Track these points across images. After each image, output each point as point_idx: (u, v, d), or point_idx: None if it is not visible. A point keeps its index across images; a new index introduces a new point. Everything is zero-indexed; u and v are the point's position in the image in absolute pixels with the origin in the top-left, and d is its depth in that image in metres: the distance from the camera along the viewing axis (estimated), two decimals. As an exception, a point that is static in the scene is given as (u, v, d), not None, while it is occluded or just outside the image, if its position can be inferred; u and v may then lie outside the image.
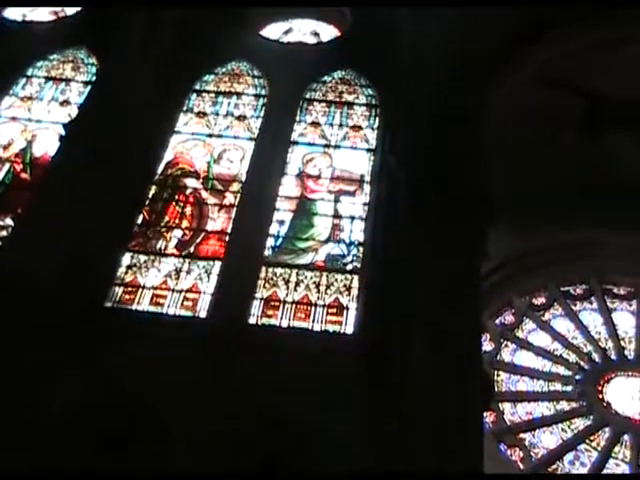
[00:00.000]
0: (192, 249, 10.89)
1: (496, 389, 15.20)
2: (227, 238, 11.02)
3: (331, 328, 10.01)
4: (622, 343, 16.27)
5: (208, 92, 13.05)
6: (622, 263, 17.18)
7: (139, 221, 11.15)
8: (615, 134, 16.45)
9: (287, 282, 10.49)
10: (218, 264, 10.67)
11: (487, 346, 16.00)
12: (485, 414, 14.41)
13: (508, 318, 16.63)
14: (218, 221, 11.30)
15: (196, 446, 8.57)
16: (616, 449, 14.60)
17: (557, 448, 14.61)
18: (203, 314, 10.10)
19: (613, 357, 16.04)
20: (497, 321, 16.45)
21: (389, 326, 9.54)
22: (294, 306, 10.25)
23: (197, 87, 13.11)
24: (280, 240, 11.01)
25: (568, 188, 17.02)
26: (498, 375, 15.62)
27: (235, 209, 11.35)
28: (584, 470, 14.22)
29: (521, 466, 14.17)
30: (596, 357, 15.99)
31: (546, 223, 16.84)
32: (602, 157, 17.07)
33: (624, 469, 14.29)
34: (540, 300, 17.01)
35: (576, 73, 15.34)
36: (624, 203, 17.08)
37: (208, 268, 10.62)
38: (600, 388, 15.44)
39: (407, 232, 10.36)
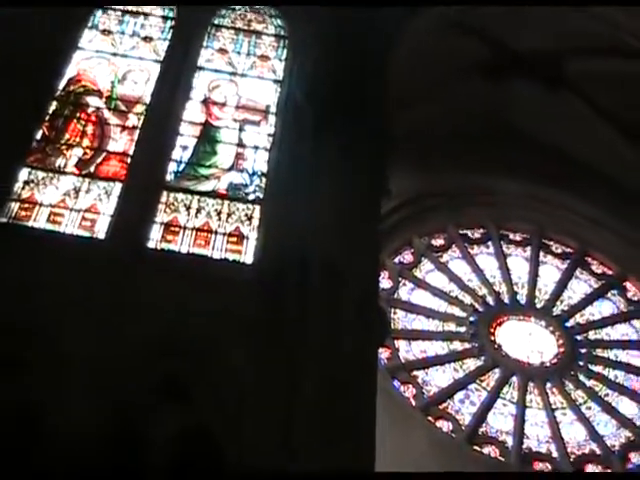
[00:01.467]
0: (92, 169, 10.61)
1: (392, 326, 15.28)
2: (129, 160, 10.77)
3: (231, 257, 9.91)
4: (515, 288, 16.60)
5: (115, 10, 12.56)
6: (520, 211, 17.40)
7: (38, 137, 10.70)
8: (519, 82, 16.62)
9: (188, 208, 10.34)
10: (119, 186, 10.43)
11: (385, 284, 16.06)
12: (380, 350, 14.55)
13: (407, 257, 16.75)
14: (120, 142, 11.02)
15: (94, 370, 8.32)
16: (505, 390, 14.90)
17: (448, 386, 14.85)
18: (102, 235, 9.89)
19: (506, 301, 16.32)
20: (396, 260, 16.56)
21: (288, 258, 9.52)
22: (194, 232, 10.11)
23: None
24: (183, 166, 10.83)
25: (472, 133, 17.17)
26: (395, 313, 15.77)
27: (138, 131, 11.08)
28: (473, 409, 14.38)
29: (413, 402, 14.28)
30: (490, 300, 16.29)
31: (449, 166, 17.06)
32: (505, 104, 17.25)
33: (511, 409, 14.48)
34: (439, 242, 17.21)
35: (484, 20, 15.46)
36: (525, 152, 17.30)
37: (108, 189, 10.37)
38: (492, 330, 15.76)
39: (309, 165, 10.34)
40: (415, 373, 14.92)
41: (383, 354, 14.87)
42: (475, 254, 17.15)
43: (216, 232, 10.13)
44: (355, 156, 10.48)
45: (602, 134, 16.44)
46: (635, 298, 16.51)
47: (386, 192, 10.88)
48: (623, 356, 15.56)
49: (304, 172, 10.29)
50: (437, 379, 14.93)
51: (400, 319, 15.76)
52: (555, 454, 14.02)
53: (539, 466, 13.93)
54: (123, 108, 11.38)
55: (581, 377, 15.10)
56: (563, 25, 14.90)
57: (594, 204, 17.06)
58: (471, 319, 15.82)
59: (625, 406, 14.78)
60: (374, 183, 10.60)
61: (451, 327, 15.77)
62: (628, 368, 15.36)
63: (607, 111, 16.10)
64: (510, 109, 17.28)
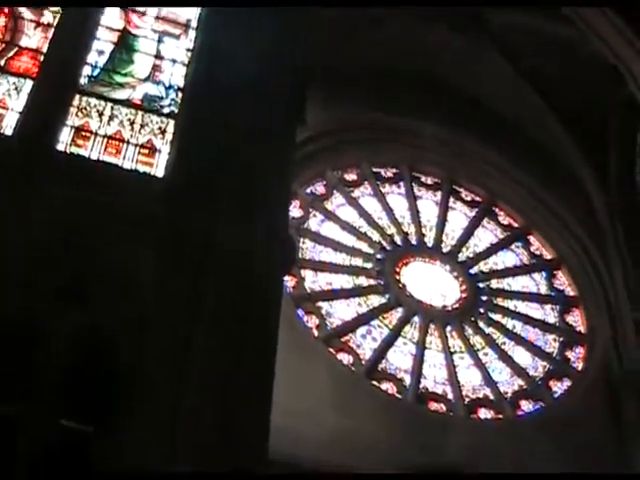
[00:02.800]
0: (2, 62, 10.01)
1: (300, 256, 15.03)
2: (42, 58, 10.22)
3: (142, 168, 9.62)
4: (423, 230, 16.70)
5: None
6: (433, 155, 17.34)
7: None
8: (441, 29, 16.55)
9: (101, 115, 9.94)
10: (29, 83, 9.92)
11: (296, 212, 15.95)
12: (286, 278, 14.33)
13: (319, 189, 16.63)
14: (34, 39, 10.49)
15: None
16: (406, 329, 14.96)
17: (352, 320, 14.84)
18: (9, 131, 9.42)
19: (413, 242, 16.36)
20: (308, 190, 16.43)
21: (199, 177, 9.31)
22: (106, 140, 9.74)
23: None
24: (98, 71, 10.39)
25: (393, 73, 17.02)
26: (303, 242, 15.62)
27: (53, 30, 10.50)
28: (374, 344, 14.30)
29: (316, 333, 14.15)
30: (398, 240, 16.33)
31: (368, 103, 16.91)
32: (428, 48, 17.14)
33: (411, 348, 14.50)
34: (351, 177, 17.12)
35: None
36: (444, 98, 17.26)
37: (18, 85, 9.90)
38: (398, 270, 15.81)
39: (227, 86, 10.03)
40: (319, 304, 14.87)
41: (289, 282, 14.75)
42: (386, 193, 17.14)
43: (128, 142, 9.80)
44: (274, 84, 10.19)
45: (519, 89, 16.54)
46: (537, 252, 16.71)
47: (301, 120, 10.69)
48: (522, 307, 15.86)
49: (220, 90, 10.01)
50: (341, 312, 14.92)
51: (308, 249, 15.67)
52: (450, 396, 14.18)
53: (434, 406, 14.07)
54: (39, 4, 10.76)
55: (481, 324, 15.30)
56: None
57: (507, 157, 17.28)
58: (378, 256, 15.82)
59: (520, 355, 15.08)
60: (290, 110, 10.40)
61: (358, 262, 15.73)
62: (526, 319, 15.64)
63: (526, 68, 16.24)
64: (432, 54, 17.12)
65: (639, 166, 15.79)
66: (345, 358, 14.17)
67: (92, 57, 10.39)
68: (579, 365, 14.97)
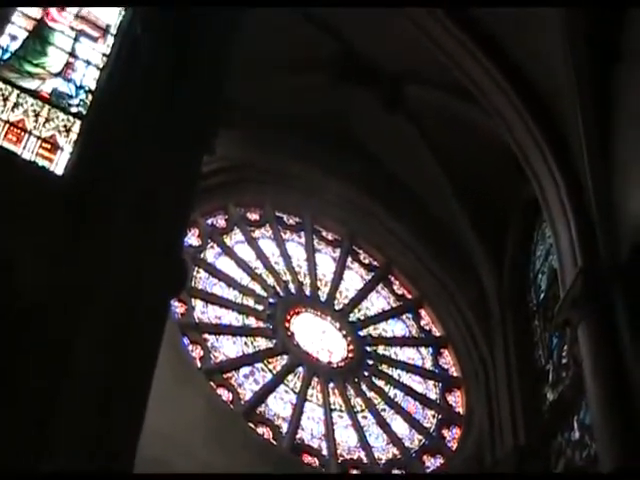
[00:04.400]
0: None
1: (192, 284, 14.71)
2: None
3: (41, 162, 9.40)
4: (318, 284, 16.76)
5: None
6: (337, 210, 17.60)
7: None
8: (361, 90, 16.83)
9: (6, 100, 9.68)
10: None
11: (194, 241, 15.74)
12: (176, 304, 14.21)
13: (220, 222, 16.53)
14: (-60, 14, 10.10)
15: None
16: (289, 377, 14.86)
17: (236, 358, 14.59)
18: None
19: (307, 293, 16.37)
20: (209, 221, 16.17)
21: (100, 180, 9.05)
22: (7, 126, 9.48)
23: None
24: (8, 55, 10.12)
25: (309, 124, 17.18)
26: (198, 272, 15.31)
27: (-39, 7, 10.29)
28: (255, 387, 14.09)
29: (199, 364, 13.78)
30: (292, 288, 16.26)
31: (280, 148, 16.91)
32: (346, 107, 17.38)
33: (291, 398, 14.42)
34: (254, 217, 17.08)
35: (342, 21, 15.66)
36: (355, 159, 17.42)
37: None
38: (289, 317, 15.69)
39: (140, 99, 9.89)
40: (206, 336, 14.53)
41: (178, 309, 14.41)
42: (286, 239, 17.13)
43: (30, 132, 9.57)
44: (185, 109, 10.07)
45: (428, 165, 16.84)
46: (427, 327, 16.86)
47: (210, 149, 10.61)
48: (405, 378, 15.84)
49: (133, 101, 9.85)
50: (226, 348, 14.67)
51: (202, 279, 15.39)
52: (325, 452, 14.00)
53: (308, 459, 13.84)
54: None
55: (363, 386, 15.30)
56: (416, 50, 15.14)
57: (408, 229, 17.44)
58: (270, 300, 15.71)
59: (398, 425, 15.05)
60: (201, 136, 10.29)
61: (249, 302, 15.46)
62: (408, 390, 15.66)
63: (435, 144, 16.56)
64: (350, 112, 17.38)
65: (533, 264, 16.17)
66: (225, 395, 13.85)
67: (4, 40, 10.12)
68: (454, 445, 15.02)
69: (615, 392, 11.14)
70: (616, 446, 10.75)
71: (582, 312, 12.04)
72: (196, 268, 15.27)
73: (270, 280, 15.96)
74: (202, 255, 15.62)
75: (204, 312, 14.85)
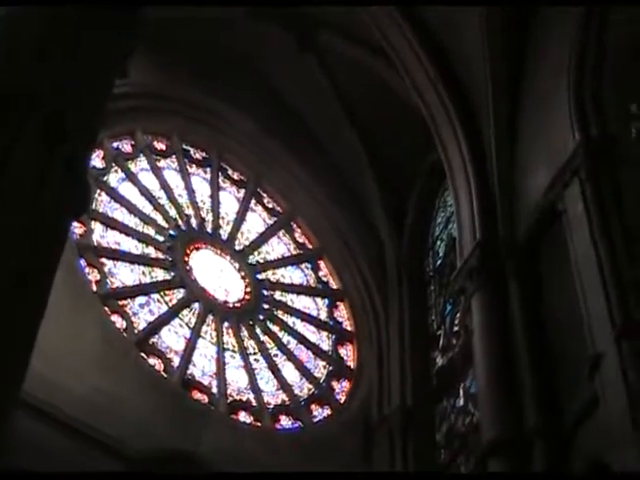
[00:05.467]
0: None
1: (94, 207, 14.34)
2: None
3: None
4: (221, 222, 16.49)
5: None
6: (244, 151, 17.28)
7: None
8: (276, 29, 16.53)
9: None
10: None
11: (98, 163, 15.21)
12: (75, 224, 13.58)
13: (126, 147, 16.12)
14: None
15: None
16: (185, 312, 14.66)
17: (132, 287, 14.34)
18: None
19: (209, 230, 16.11)
20: (115, 145, 15.68)
21: (5, 100, 8.31)
22: None
23: None
24: None
25: (230, 61, 16.80)
26: (99, 195, 14.91)
27: None
28: (150, 317, 13.90)
29: (94, 288, 13.45)
30: (194, 223, 15.98)
31: (192, 79, 16.54)
32: (261, 44, 17.07)
33: (185, 332, 14.33)
34: (161, 146, 16.67)
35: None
36: (267, 102, 17.23)
37: None
38: (188, 252, 15.44)
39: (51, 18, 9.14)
40: (103, 260, 14.17)
41: (77, 229, 13.95)
42: (192, 173, 16.80)
43: None
44: (101, 24, 9.36)
45: (336, 117, 16.74)
46: (325, 279, 16.80)
47: (123, 72, 10.19)
48: (300, 327, 15.82)
49: (42, 19, 9.06)
50: (123, 275, 14.37)
51: (103, 203, 15.01)
52: (214, 390, 13.89)
53: (197, 395, 13.72)
54: None
55: (257, 330, 15.23)
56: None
57: (315, 179, 17.20)
58: (171, 232, 15.45)
59: (289, 372, 15.03)
60: (113, 57, 9.69)
61: (150, 232, 15.19)
62: (301, 339, 15.65)
63: (348, 100, 16.47)
64: (266, 55, 17.17)
65: (433, 230, 16.29)
66: (119, 322, 13.57)
67: None
68: (342, 398, 15.05)
69: (502, 364, 11.35)
70: (498, 416, 10.94)
71: (477, 283, 12.25)
72: (98, 191, 14.83)
73: (172, 212, 15.69)
74: (105, 178, 15.18)
75: (103, 236, 14.48)
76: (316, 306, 16.27)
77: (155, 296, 14.35)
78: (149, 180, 15.86)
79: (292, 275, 16.51)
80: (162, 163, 16.32)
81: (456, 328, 14.19)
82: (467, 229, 13.03)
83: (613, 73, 12.01)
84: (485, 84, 13.43)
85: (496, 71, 13.36)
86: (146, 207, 15.40)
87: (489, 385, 11.33)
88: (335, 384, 15.19)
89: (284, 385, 14.65)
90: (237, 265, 15.85)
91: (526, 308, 11.62)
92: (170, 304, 14.41)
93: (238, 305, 15.22)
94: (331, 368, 15.36)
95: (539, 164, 12.47)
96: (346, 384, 15.24)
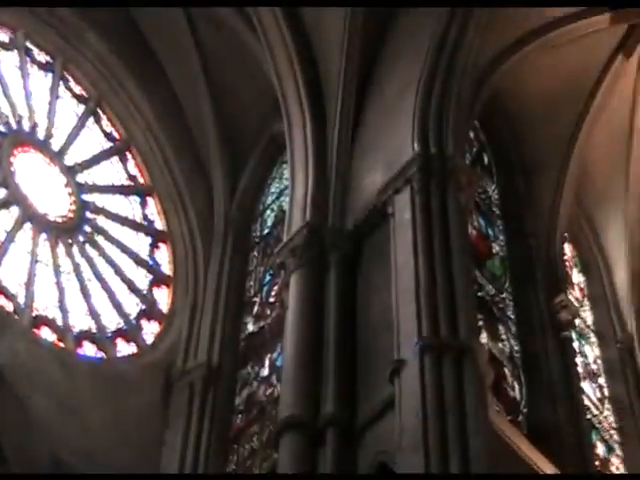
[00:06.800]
0: None
1: None
2: None
3: None
4: (54, 131, 15.79)
5: None
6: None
7: None
8: None
9: None
10: None
11: None
12: None
13: None
14: None
15: None
16: (2, 212, 14.17)
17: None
18: None
19: (40, 137, 15.49)
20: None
21: None
22: None
23: None
24: None
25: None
26: None
27: None
28: None
29: None
30: (26, 124, 15.35)
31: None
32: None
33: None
34: (4, 38, 15.94)
35: None
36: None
37: None
38: (16, 152, 14.89)
39: None
40: None
41: None
42: (31, 74, 16.10)
43: None
44: None
45: (190, 62, 16.52)
46: (151, 218, 16.43)
47: None
48: (118, 258, 15.44)
49: None
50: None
51: None
52: (20, 300, 13.50)
53: (2, 301, 13.29)
54: None
55: (75, 250, 14.75)
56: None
57: (155, 111, 16.78)
58: (1, 128, 14.82)
59: (99, 300, 14.62)
60: None
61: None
62: (118, 270, 15.25)
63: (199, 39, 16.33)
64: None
65: (265, 197, 16.34)
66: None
67: None
68: (149, 339, 14.78)
69: (310, 346, 11.56)
70: (298, 396, 11.07)
71: (298, 262, 12.42)
72: None
73: (6, 109, 15.11)
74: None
75: None
76: (138, 243, 15.90)
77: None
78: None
79: (119, 205, 16.05)
80: (2, 55, 15.66)
81: (272, 299, 14.37)
82: (298, 208, 13.16)
83: (458, 97, 12.79)
84: (338, 78, 13.87)
85: (350, 68, 13.80)
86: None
87: (294, 363, 11.50)
88: (145, 324, 14.94)
89: (93, 312, 14.29)
90: (65, 181, 15.33)
91: (342, 299, 11.87)
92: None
93: (60, 221, 14.77)
94: (143, 307, 15.08)
95: (377, 164, 12.87)
96: (156, 326, 15.01)
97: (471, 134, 15.01)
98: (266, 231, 15.80)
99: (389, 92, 13.51)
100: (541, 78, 15.15)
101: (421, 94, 12.65)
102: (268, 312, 14.41)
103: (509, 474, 10.02)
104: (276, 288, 14.31)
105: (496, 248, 14.61)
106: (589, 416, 13.88)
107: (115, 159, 16.63)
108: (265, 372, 13.65)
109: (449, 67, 12.88)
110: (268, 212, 16.09)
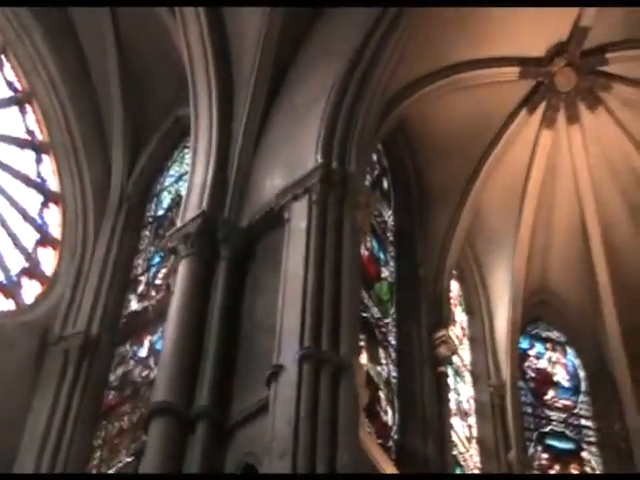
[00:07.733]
0: None
1: None
2: None
3: None
4: None
5: None
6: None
7: None
8: None
9: None
10: None
11: None
12: None
13: None
14: None
15: None
16: None
17: None
18: None
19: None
20: None
21: None
22: None
23: None
24: None
25: None
26: None
27: None
28: None
29: None
30: None
31: None
32: None
33: None
34: None
35: None
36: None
37: None
38: None
39: None
40: None
41: None
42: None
43: None
44: None
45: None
46: (45, 177, 16.30)
47: None
48: (6, 212, 15.33)
49: None
50: None
51: None
52: None
53: None
54: None
55: None
56: None
57: (61, 71, 16.60)
58: None
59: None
60: None
61: None
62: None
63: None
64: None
65: (163, 178, 16.42)
66: None
67: None
68: (29, 298, 14.75)
69: (191, 336, 11.49)
70: (173, 383, 11.04)
71: (190, 250, 12.41)
72: None
73: None
74: None
75: None
76: (29, 199, 15.78)
77: None
78: None
79: (13, 158, 15.93)
80: None
81: (159, 282, 14.42)
82: (195, 195, 13.20)
83: (365, 118, 13.01)
84: (250, 74, 13.93)
85: (264, 66, 13.93)
86: None
87: (173, 350, 11.43)
88: (26, 282, 14.88)
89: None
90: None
91: (228, 294, 11.88)
92: None
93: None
94: (26, 265, 15.01)
95: (279, 167, 13.00)
96: (38, 287, 14.96)
97: (374, 157, 15.40)
98: (160, 212, 15.83)
99: (299, 100, 13.70)
100: (449, 115, 15.71)
101: (329, 109, 12.86)
102: (153, 293, 14.46)
103: (372, 474, 10.46)
104: (164, 271, 14.32)
105: (385, 273, 14.93)
106: (455, 452, 14.28)
107: (15, 109, 16.47)
108: (143, 353, 13.70)
109: (360, 86, 13.10)
110: (165, 194, 16.11)
